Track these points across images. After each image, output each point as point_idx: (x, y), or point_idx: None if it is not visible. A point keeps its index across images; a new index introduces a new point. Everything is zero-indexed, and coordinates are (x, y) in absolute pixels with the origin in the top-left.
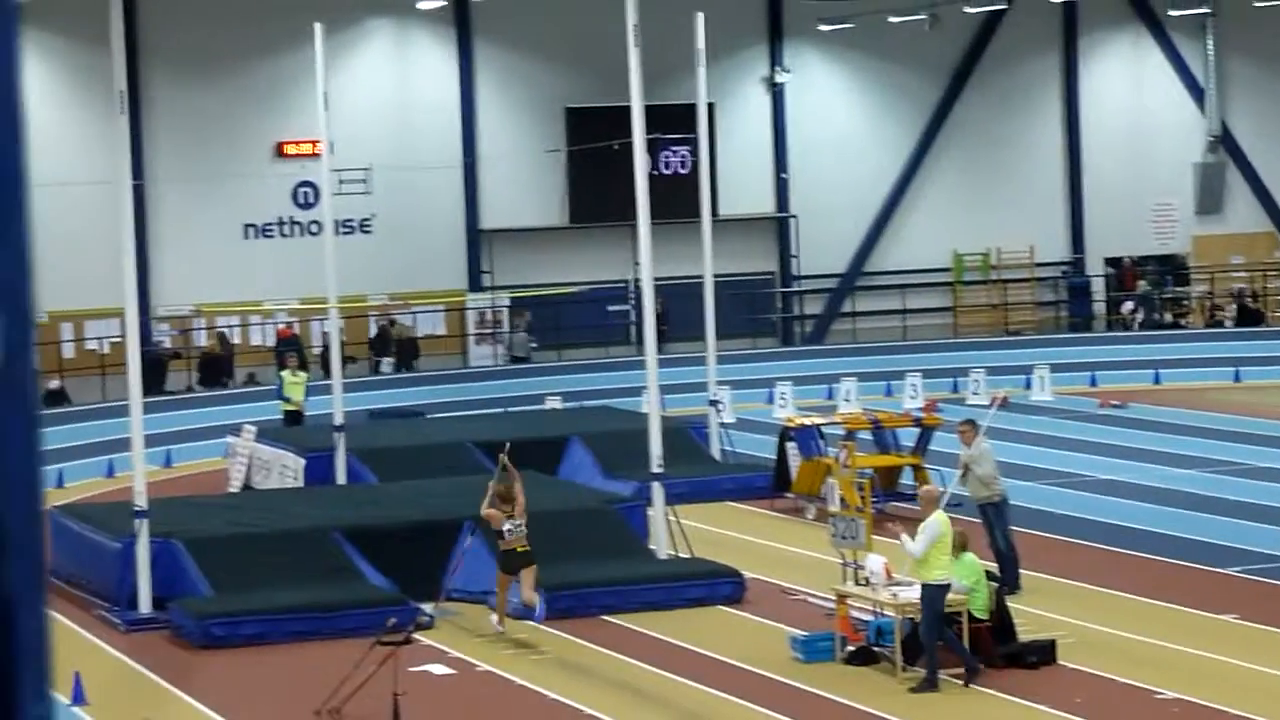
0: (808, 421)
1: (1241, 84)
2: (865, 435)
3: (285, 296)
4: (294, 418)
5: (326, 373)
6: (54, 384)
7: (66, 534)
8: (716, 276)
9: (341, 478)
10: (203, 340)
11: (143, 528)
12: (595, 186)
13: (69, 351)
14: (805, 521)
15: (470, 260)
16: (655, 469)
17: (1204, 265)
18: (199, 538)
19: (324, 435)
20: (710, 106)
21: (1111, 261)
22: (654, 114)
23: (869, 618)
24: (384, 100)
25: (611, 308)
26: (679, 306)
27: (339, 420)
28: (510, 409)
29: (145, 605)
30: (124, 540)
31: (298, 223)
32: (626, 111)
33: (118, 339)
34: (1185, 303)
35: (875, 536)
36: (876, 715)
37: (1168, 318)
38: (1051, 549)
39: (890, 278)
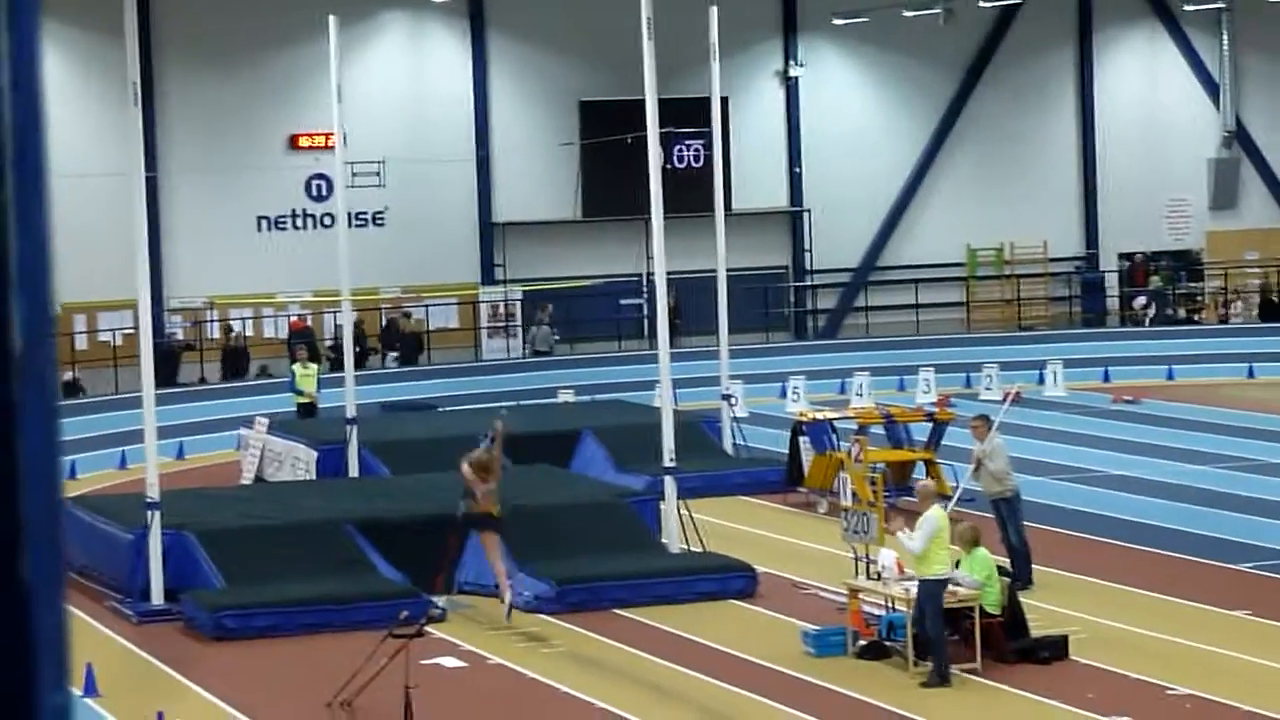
0: (820, 416)
1: (1256, 79)
2: (878, 430)
3: (298, 289)
4: (307, 410)
5: (337, 366)
6: (69, 375)
7: (79, 525)
8: (730, 271)
9: (354, 470)
10: (215, 332)
11: (155, 519)
12: (609, 180)
13: (82, 343)
14: (817, 516)
15: (483, 253)
16: (668, 463)
17: (1218, 260)
18: (211, 530)
19: (336, 428)
20: (724, 100)
21: (1125, 257)
22: (668, 108)
23: (881, 612)
24: (398, 93)
25: (624, 301)
26: (692, 300)
27: (351, 413)
28: (523, 402)
29: (157, 597)
30: (136, 532)
31: (311, 215)
32: (640, 105)
33: (130, 331)
34: (1199, 298)
35: (887, 531)
36: (888, 710)
37: (1181, 313)
38: (1064, 544)
39: (903, 272)
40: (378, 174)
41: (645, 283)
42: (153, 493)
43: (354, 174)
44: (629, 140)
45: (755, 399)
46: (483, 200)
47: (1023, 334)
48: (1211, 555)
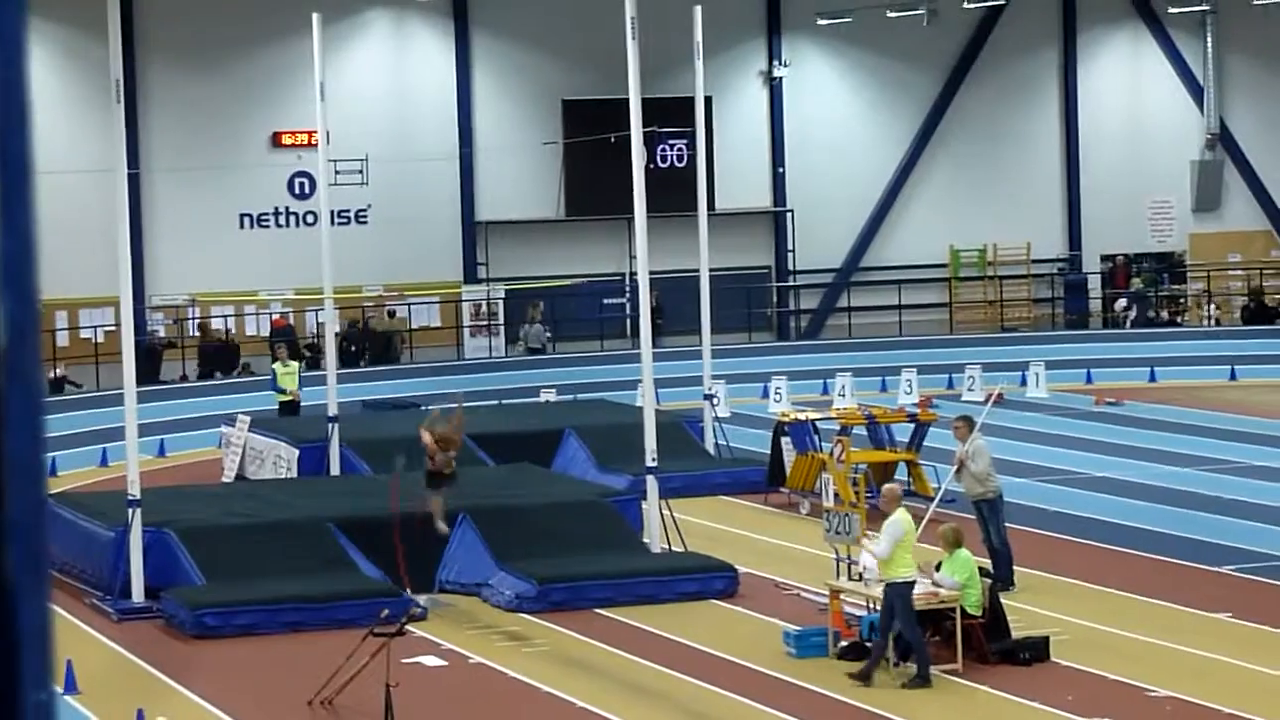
0: (802, 416)
1: (1240, 82)
2: (860, 431)
3: (281, 287)
4: (290, 408)
5: (313, 365)
6: (57, 371)
7: (59, 522)
8: (712, 270)
9: (335, 469)
10: (198, 330)
11: (136, 517)
12: (592, 179)
13: (64, 340)
14: (799, 516)
15: (466, 252)
16: (650, 463)
17: (1200, 263)
18: (192, 527)
19: (318, 426)
20: (708, 100)
21: (1108, 258)
22: (651, 107)
23: (862, 613)
24: (381, 91)
25: (607, 301)
26: (675, 300)
27: (333, 411)
28: (505, 401)
29: (138, 594)
30: (117, 529)
31: (294, 213)
32: (624, 104)
33: (112, 328)
34: (1182, 300)
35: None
36: (868, 710)
37: (1164, 315)
38: (1045, 546)
39: (886, 273)
40: (361, 172)
41: (628, 282)
42: (134, 490)
43: (337, 172)
44: (612, 139)
45: (737, 399)
46: (466, 199)
47: (1005, 335)
48: (1193, 557)
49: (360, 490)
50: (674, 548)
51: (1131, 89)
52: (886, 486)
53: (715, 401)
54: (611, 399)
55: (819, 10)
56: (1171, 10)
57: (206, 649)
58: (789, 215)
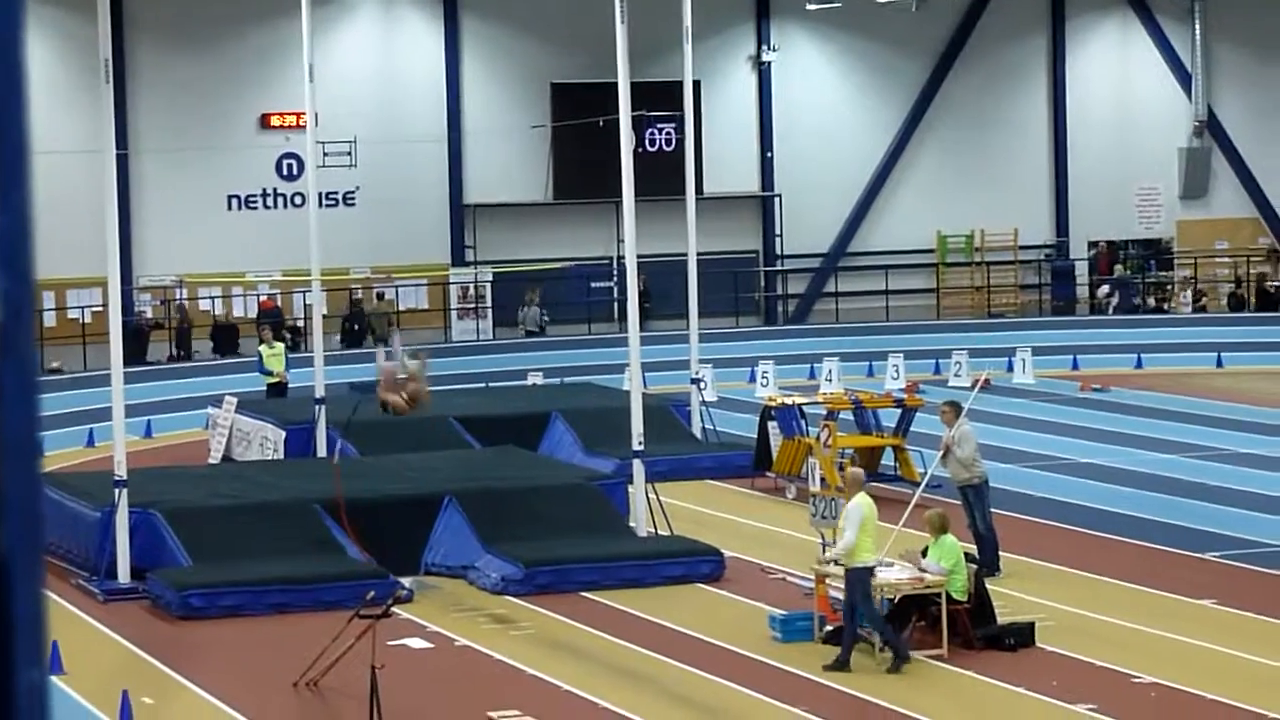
0: (789, 401)
1: (1228, 69)
2: (847, 415)
3: (268, 268)
4: (278, 389)
5: (295, 347)
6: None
7: (46, 502)
8: (700, 254)
9: (322, 450)
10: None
11: (122, 497)
12: (580, 163)
13: (50, 320)
14: (785, 501)
15: (454, 235)
16: (636, 446)
17: (1187, 250)
18: (179, 508)
19: (304, 408)
20: (696, 84)
21: (1094, 245)
22: (640, 91)
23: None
24: (370, 73)
25: (595, 284)
26: (662, 284)
27: (320, 393)
28: (492, 384)
29: (124, 575)
30: (103, 510)
31: (282, 194)
32: (612, 88)
33: (99, 308)
34: (1168, 287)
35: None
36: (853, 695)
37: (1150, 302)
38: (1031, 532)
39: (874, 258)
40: (349, 154)
41: (616, 266)
42: (120, 471)
43: (325, 154)
44: (600, 123)
45: (724, 383)
46: (454, 181)
47: (992, 321)
48: (1178, 544)
49: (347, 472)
50: (660, 531)
51: (1120, 76)
52: (850, 470)
53: (702, 385)
54: (598, 383)
55: None
56: None
57: (192, 630)
58: (777, 200)
